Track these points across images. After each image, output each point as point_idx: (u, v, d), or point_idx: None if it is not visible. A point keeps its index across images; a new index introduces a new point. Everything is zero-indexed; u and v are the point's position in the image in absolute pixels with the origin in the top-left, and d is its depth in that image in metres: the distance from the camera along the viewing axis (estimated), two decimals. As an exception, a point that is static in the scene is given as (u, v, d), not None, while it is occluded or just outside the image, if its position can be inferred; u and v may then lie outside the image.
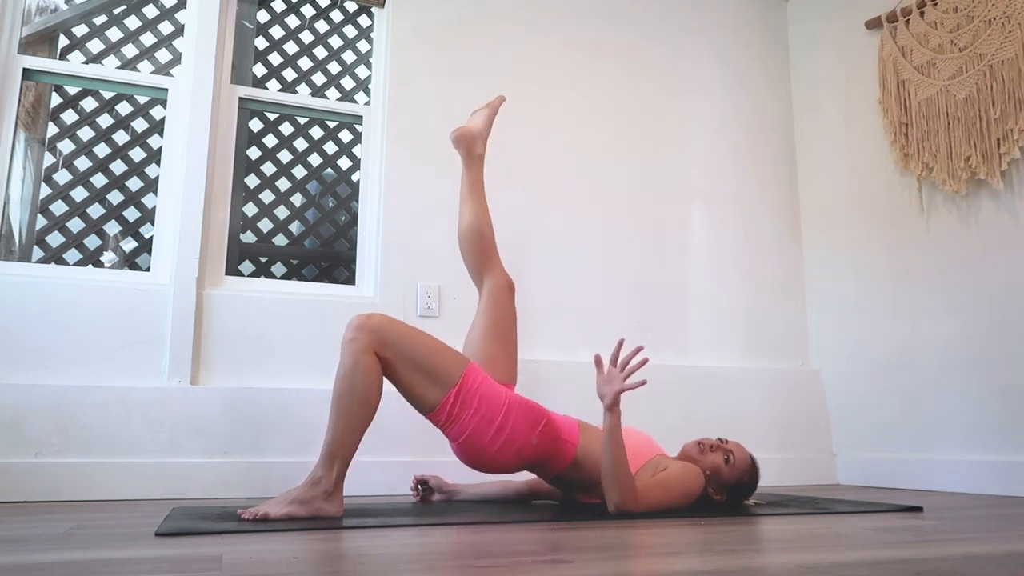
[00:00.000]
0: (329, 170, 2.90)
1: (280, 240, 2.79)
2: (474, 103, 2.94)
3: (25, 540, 1.35)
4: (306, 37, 2.94)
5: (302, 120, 2.87)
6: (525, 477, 2.27)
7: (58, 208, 2.53)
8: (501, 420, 1.82)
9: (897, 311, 2.92)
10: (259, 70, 2.85)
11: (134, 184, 2.62)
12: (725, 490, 1.98)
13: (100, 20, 2.67)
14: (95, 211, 2.56)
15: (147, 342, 2.41)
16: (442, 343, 1.86)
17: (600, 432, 1.99)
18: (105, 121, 2.63)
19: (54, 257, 2.49)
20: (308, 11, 2.96)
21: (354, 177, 2.92)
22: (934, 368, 2.76)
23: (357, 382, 1.72)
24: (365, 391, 1.72)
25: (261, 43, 2.87)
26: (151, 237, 2.59)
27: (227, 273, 2.65)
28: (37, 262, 2.47)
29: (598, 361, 1.83)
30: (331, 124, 2.92)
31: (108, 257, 2.57)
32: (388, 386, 1.82)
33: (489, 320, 2.08)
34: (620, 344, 1.87)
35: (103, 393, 2.30)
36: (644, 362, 1.83)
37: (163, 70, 2.72)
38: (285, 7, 2.93)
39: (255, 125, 2.81)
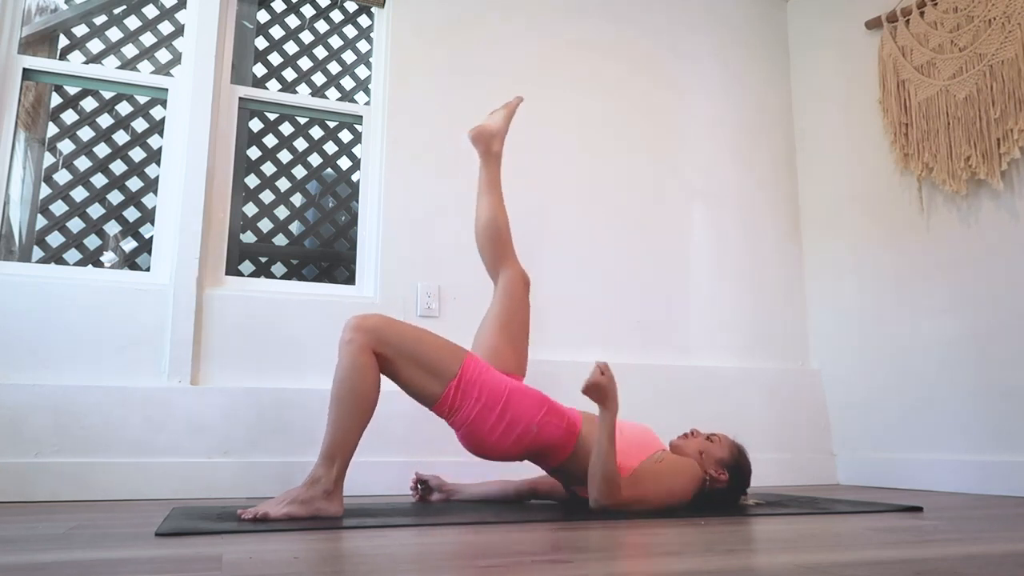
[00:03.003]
0: (329, 170, 2.90)
1: (280, 240, 2.79)
2: (474, 103, 2.95)
3: (25, 540, 1.35)
4: (306, 37, 2.94)
5: (302, 120, 2.87)
6: (525, 476, 2.27)
7: (58, 208, 2.53)
8: (502, 407, 1.84)
9: (897, 311, 2.92)
10: (259, 70, 2.85)
11: (134, 184, 2.62)
12: (724, 467, 1.98)
13: (100, 20, 2.67)
14: (95, 211, 2.56)
15: (147, 342, 2.41)
16: (438, 337, 1.88)
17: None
18: (105, 121, 2.63)
19: (54, 257, 2.49)
20: (308, 11, 2.96)
21: (354, 177, 2.92)
22: (934, 368, 2.76)
23: (356, 382, 1.73)
24: (364, 391, 1.74)
25: (261, 43, 2.87)
26: (151, 237, 2.59)
27: (227, 273, 2.65)
28: (37, 262, 2.47)
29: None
30: (331, 124, 2.92)
31: (108, 257, 2.57)
32: (386, 385, 1.82)
33: (501, 312, 2.11)
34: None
35: (103, 393, 2.30)
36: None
37: (163, 70, 2.72)
38: (285, 7, 2.93)
39: (255, 125, 2.81)
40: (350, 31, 3.01)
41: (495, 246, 2.16)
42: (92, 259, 2.54)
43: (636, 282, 3.07)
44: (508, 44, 3.06)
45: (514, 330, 2.11)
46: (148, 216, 2.61)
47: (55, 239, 2.51)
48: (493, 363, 2.00)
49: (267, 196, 2.79)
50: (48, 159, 2.55)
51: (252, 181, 2.78)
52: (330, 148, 2.90)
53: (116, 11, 2.69)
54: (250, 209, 2.76)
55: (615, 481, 1.82)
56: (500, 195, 2.20)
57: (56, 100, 2.59)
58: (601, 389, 1.83)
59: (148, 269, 2.57)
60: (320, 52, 2.94)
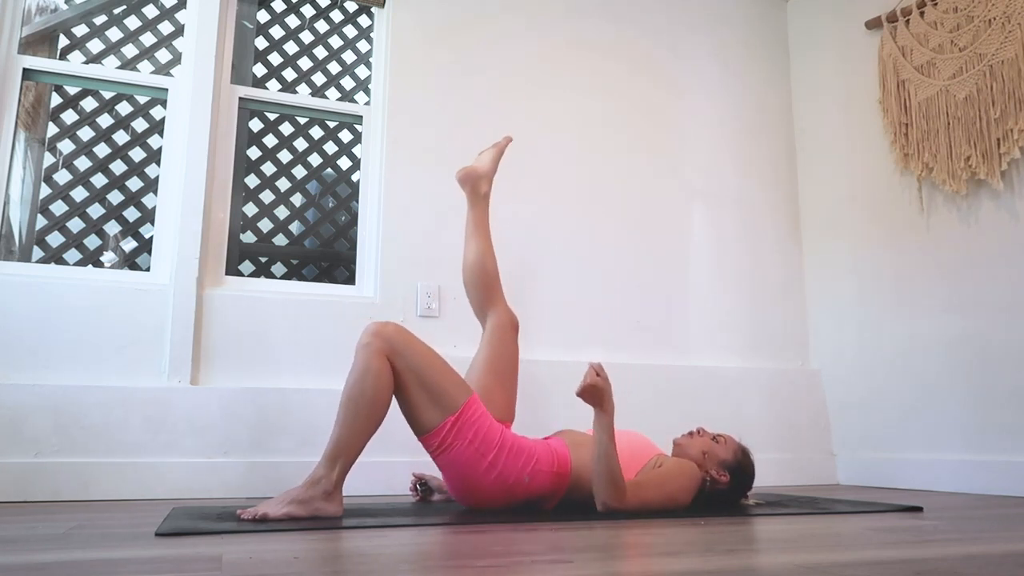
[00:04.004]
0: (329, 170, 2.90)
1: (280, 240, 2.79)
2: (474, 102, 2.95)
3: (25, 540, 1.35)
4: (306, 37, 2.94)
5: (302, 120, 2.87)
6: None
7: (58, 208, 2.53)
8: (494, 456, 1.80)
9: (897, 311, 2.92)
10: (259, 70, 2.85)
11: (134, 184, 2.62)
12: (726, 469, 1.98)
13: (100, 20, 2.67)
14: (95, 211, 2.56)
15: (147, 342, 2.41)
16: (451, 367, 1.85)
17: (587, 437, 1.99)
18: (105, 121, 2.63)
19: (54, 257, 2.49)
20: (308, 11, 2.96)
21: (354, 177, 2.92)
22: (934, 368, 2.76)
23: (368, 386, 1.72)
24: (375, 395, 1.72)
25: (261, 43, 2.87)
26: (151, 237, 2.59)
27: (227, 273, 2.65)
28: (37, 262, 2.47)
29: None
30: (331, 124, 2.92)
31: (108, 257, 2.57)
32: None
33: (490, 357, 2.09)
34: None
35: (103, 393, 2.30)
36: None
37: (163, 70, 2.72)
38: (285, 7, 2.93)
39: (255, 125, 2.81)
40: (350, 31, 3.01)
41: (483, 289, 2.14)
42: (92, 259, 2.54)
43: (636, 282, 3.07)
44: (508, 44, 3.06)
45: (503, 373, 2.08)
46: (148, 216, 2.61)
47: (55, 239, 2.51)
48: (484, 405, 1.95)
49: (267, 196, 2.79)
50: (48, 159, 2.55)
51: (252, 181, 2.78)
52: (330, 148, 2.90)
53: (116, 11, 2.69)
54: (250, 209, 2.76)
55: (620, 483, 1.80)
56: (488, 237, 2.18)
57: (56, 100, 2.59)
58: (597, 391, 1.79)
59: (148, 269, 2.57)
60: (320, 52, 2.94)
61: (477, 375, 2.07)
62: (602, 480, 1.80)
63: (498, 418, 1.98)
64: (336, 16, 2.99)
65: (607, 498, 1.80)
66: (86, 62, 2.63)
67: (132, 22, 2.71)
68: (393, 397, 1.79)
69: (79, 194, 2.56)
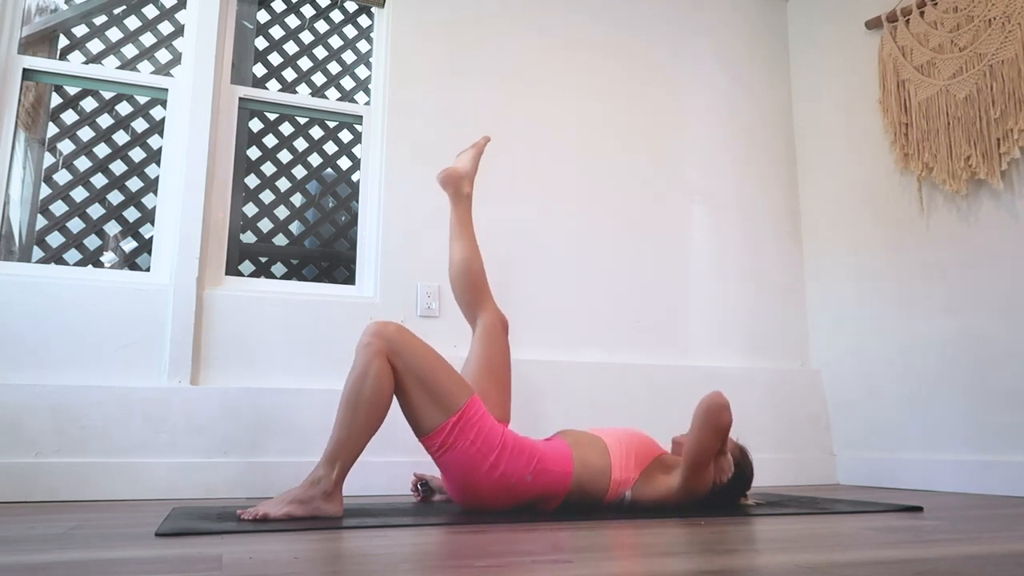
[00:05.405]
0: (329, 170, 2.90)
1: (280, 240, 2.79)
2: (474, 102, 2.95)
3: (25, 540, 1.35)
4: (306, 37, 2.94)
5: (302, 120, 2.87)
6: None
7: (58, 208, 2.53)
8: (496, 456, 1.79)
9: (897, 311, 2.91)
10: (259, 70, 2.85)
11: (134, 184, 2.62)
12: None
13: (100, 20, 2.67)
14: (95, 211, 2.56)
15: (147, 342, 2.41)
16: (451, 367, 1.84)
17: (589, 436, 2.00)
18: (105, 121, 2.63)
19: (54, 257, 2.49)
20: (308, 11, 2.96)
21: (354, 177, 2.92)
22: (934, 368, 2.76)
23: (368, 386, 1.71)
24: (376, 395, 1.72)
25: (261, 43, 2.87)
26: (151, 237, 2.59)
27: (227, 273, 2.65)
28: (37, 262, 2.46)
29: None
30: (331, 124, 2.92)
31: (108, 257, 2.57)
32: (388, 386, 1.81)
33: (483, 358, 2.07)
34: None
35: (103, 393, 2.30)
36: None
37: (163, 70, 2.72)
38: (285, 7, 2.93)
39: (255, 125, 2.81)
40: (350, 31, 3.01)
41: (471, 289, 2.13)
42: (92, 259, 2.54)
43: (636, 282, 3.07)
44: (508, 44, 3.06)
45: (497, 374, 2.07)
46: (148, 216, 2.61)
47: (55, 239, 2.51)
48: None
49: (267, 196, 2.79)
50: (48, 159, 2.55)
51: (252, 181, 2.78)
52: (330, 148, 2.90)
53: (116, 11, 2.69)
54: (250, 209, 2.76)
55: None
56: (473, 237, 2.17)
57: (56, 100, 2.58)
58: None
59: (148, 269, 2.57)
60: (320, 52, 2.94)
61: (471, 377, 2.05)
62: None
63: (495, 419, 1.98)
64: (336, 16, 2.99)
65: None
66: (86, 62, 2.63)
67: (132, 22, 2.71)
68: (394, 397, 1.79)
69: (79, 194, 2.56)
